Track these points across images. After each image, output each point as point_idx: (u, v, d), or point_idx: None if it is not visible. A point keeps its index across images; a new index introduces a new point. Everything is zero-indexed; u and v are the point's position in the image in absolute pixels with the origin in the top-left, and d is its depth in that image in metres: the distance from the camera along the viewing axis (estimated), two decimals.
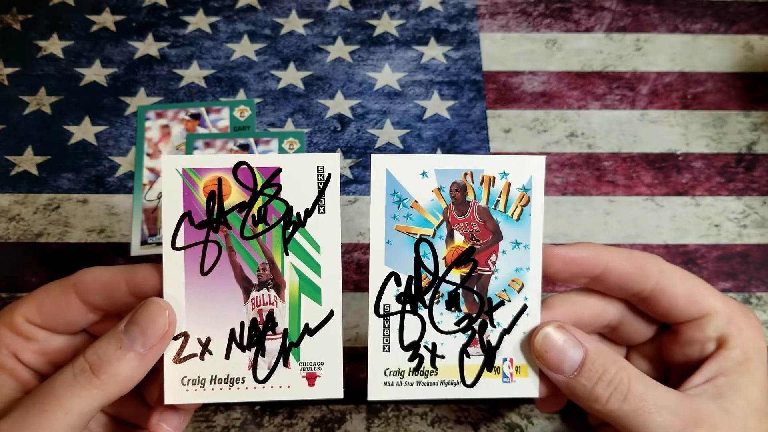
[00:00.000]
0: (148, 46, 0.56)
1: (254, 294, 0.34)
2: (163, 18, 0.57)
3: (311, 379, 0.34)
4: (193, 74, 0.54)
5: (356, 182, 0.50)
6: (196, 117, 0.52)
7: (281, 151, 0.51)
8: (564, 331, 0.33)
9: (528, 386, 0.34)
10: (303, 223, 0.33)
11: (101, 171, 0.50)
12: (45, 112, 0.53)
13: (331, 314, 0.34)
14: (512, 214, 0.34)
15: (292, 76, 0.55)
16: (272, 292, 0.34)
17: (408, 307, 0.34)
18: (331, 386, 0.34)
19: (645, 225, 0.49)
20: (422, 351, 0.34)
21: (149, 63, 0.55)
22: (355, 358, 0.44)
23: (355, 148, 0.51)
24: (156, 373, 0.33)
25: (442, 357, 0.34)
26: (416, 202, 0.34)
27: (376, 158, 0.33)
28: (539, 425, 0.42)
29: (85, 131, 0.52)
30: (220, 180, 0.33)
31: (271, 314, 0.34)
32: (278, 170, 0.33)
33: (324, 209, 0.33)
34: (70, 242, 0.48)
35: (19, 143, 0.51)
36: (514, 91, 0.54)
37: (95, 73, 0.54)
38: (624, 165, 0.51)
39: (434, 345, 0.34)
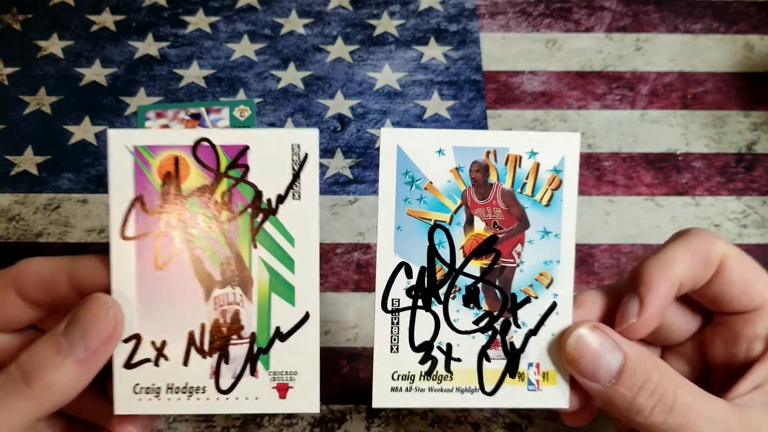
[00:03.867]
0: (148, 46, 0.56)
1: (217, 292, 0.29)
2: (163, 18, 0.57)
3: (282, 390, 0.30)
4: (193, 74, 0.54)
5: (356, 182, 0.50)
6: (196, 117, 0.52)
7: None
8: (600, 332, 0.29)
9: (556, 396, 0.30)
10: (274, 211, 0.29)
11: (101, 171, 0.50)
12: (45, 112, 0.53)
13: (306, 317, 0.29)
14: (541, 199, 0.30)
15: (292, 76, 0.55)
16: (238, 290, 0.29)
17: (420, 303, 0.30)
18: (306, 399, 0.29)
19: (645, 225, 0.49)
20: (435, 353, 0.30)
21: (149, 63, 0.55)
22: (355, 358, 0.44)
23: (355, 148, 0.51)
24: None
25: (459, 360, 0.30)
26: (431, 183, 0.30)
27: (386, 132, 0.29)
28: (539, 425, 0.42)
29: (85, 131, 0.52)
30: (177, 159, 0.29)
31: (236, 315, 0.29)
32: (245, 149, 0.29)
33: (299, 195, 0.29)
34: (70, 242, 0.48)
35: (19, 143, 0.51)
36: (514, 91, 0.54)
37: (95, 73, 0.55)
38: (624, 165, 0.51)
39: (449, 346, 0.30)
